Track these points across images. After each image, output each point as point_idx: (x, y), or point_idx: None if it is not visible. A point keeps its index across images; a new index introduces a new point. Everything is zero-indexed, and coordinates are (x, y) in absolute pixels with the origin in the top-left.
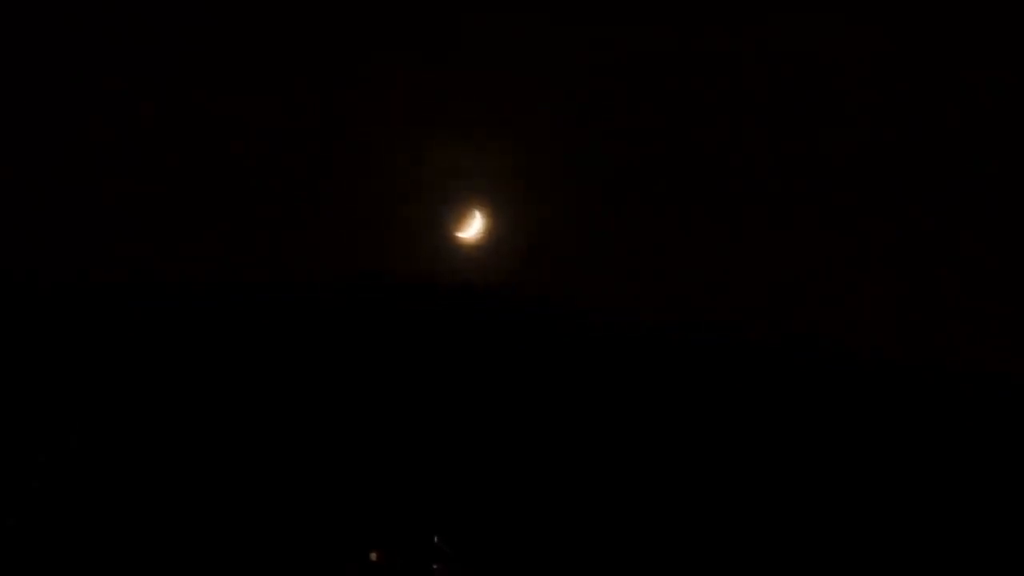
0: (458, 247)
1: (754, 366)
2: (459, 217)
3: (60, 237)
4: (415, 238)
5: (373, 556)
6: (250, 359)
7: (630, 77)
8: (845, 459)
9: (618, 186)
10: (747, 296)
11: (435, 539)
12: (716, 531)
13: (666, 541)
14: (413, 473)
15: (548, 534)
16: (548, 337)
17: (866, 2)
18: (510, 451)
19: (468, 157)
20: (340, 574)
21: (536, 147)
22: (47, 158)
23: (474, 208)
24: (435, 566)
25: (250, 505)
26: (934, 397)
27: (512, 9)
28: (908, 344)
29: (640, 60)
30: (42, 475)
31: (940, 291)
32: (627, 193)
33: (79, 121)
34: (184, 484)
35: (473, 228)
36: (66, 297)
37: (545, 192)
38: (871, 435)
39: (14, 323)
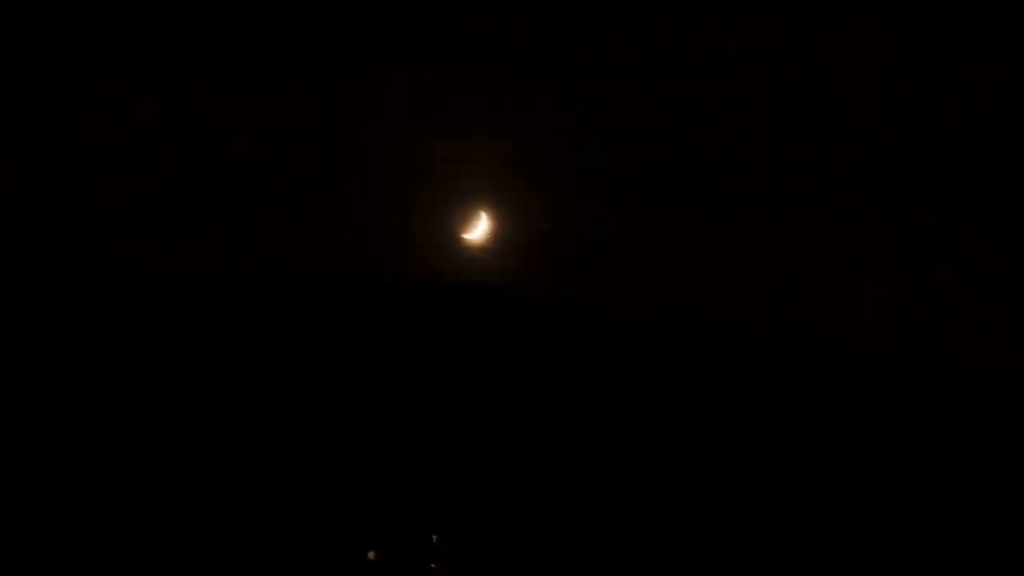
0: (457, 246)
1: (754, 366)
2: (458, 216)
3: (60, 237)
4: (413, 238)
5: (371, 555)
6: (250, 359)
7: (630, 77)
8: (845, 459)
9: (618, 186)
10: (747, 296)
11: (434, 538)
12: (716, 531)
13: (666, 541)
14: (412, 472)
15: (547, 533)
16: (547, 337)
17: (866, 2)
18: (510, 450)
19: (467, 157)
20: (339, 574)
21: (536, 147)
22: (47, 158)
23: (473, 208)
24: (433, 565)
25: (250, 505)
26: (934, 397)
27: (512, 9)
28: (908, 344)
29: (640, 60)
30: (42, 475)
31: (940, 291)
32: (627, 193)
33: (79, 121)
34: (184, 484)
35: (471, 227)
36: (66, 297)
37: (544, 192)
38: (871, 435)
39: (14, 323)
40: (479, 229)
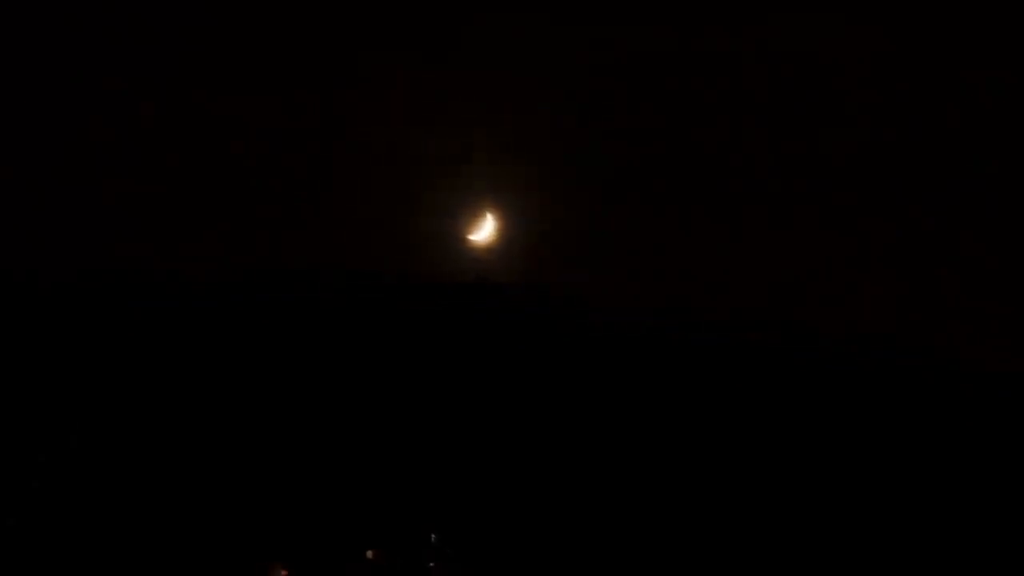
0: (456, 246)
1: (754, 366)
2: (458, 216)
3: (60, 237)
4: (413, 238)
5: (370, 555)
6: (250, 359)
7: (630, 77)
8: (845, 458)
9: (618, 186)
10: (747, 296)
11: (432, 537)
12: (716, 530)
13: (666, 540)
14: (411, 472)
15: (547, 533)
16: (546, 337)
17: (866, 2)
18: (509, 450)
19: (467, 157)
20: (338, 573)
21: (536, 147)
22: (47, 158)
23: (472, 208)
24: (432, 564)
25: (249, 504)
26: (934, 396)
27: (512, 9)
28: (908, 344)
29: (640, 60)
30: (42, 475)
31: (940, 291)
32: (627, 193)
33: (79, 121)
34: (184, 484)
35: (470, 227)
36: (66, 297)
37: (544, 192)
38: (871, 434)
39: (14, 323)
40: (478, 229)
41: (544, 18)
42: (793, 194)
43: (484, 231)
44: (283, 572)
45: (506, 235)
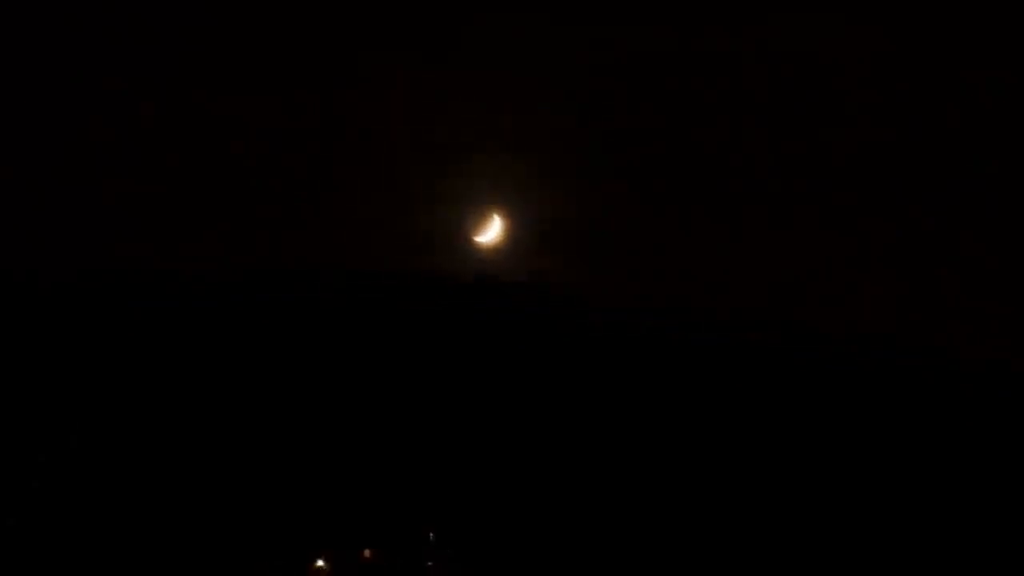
0: (456, 246)
1: (754, 366)
2: (457, 216)
3: (60, 237)
4: (413, 238)
5: (367, 554)
6: (250, 359)
7: (630, 77)
8: (846, 458)
9: (618, 186)
10: (747, 296)
11: (431, 537)
12: (716, 530)
13: (666, 540)
14: (410, 471)
15: (546, 533)
16: (545, 337)
17: (866, 2)
18: (509, 449)
19: (467, 157)
20: (337, 573)
21: (536, 147)
22: (47, 158)
23: (472, 208)
24: (430, 563)
25: (249, 504)
26: (934, 396)
27: (512, 9)
28: (908, 344)
29: (640, 60)
30: (42, 475)
31: (940, 291)
32: (627, 193)
33: (79, 121)
34: (183, 483)
35: (470, 227)
36: (66, 297)
37: (544, 192)
38: (871, 434)
39: (14, 323)
40: (478, 229)
41: (544, 18)
42: (793, 194)
43: (484, 231)
44: (282, 571)
45: (506, 235)
